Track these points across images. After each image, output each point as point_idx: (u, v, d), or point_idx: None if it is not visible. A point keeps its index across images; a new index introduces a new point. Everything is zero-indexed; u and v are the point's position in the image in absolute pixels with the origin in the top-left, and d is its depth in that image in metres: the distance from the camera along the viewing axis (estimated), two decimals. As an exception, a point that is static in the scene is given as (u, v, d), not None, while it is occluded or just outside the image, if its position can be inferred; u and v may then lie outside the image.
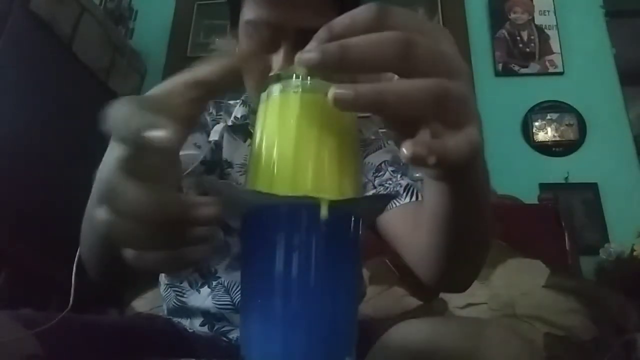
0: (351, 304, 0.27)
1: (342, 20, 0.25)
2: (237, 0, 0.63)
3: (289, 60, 0.56)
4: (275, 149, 0.26)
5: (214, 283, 0.66)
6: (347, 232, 0.26)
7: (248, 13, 0.59)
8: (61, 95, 1.63)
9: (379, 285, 1.32)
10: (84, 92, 1.75)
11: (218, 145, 0.70)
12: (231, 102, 0.79)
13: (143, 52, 2.16)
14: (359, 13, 0.25)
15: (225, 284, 0.66)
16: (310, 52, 0.24)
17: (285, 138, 0.26)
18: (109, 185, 0.23)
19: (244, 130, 0.72)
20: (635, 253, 1.57)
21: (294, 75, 0.28)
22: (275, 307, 0.25)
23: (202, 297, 0.67)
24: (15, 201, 1.33)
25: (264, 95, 0.29)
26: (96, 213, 0.24)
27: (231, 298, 0.65)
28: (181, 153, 0.60)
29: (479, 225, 0.38)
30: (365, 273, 1.33)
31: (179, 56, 2.15)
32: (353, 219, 0.27)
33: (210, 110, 0.77)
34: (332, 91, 0.23)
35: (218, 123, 0.74)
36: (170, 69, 2.20)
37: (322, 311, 0.25)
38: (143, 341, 0.63)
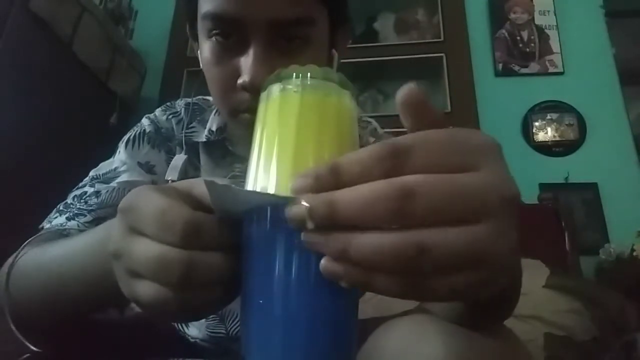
0: (351, 304, 0.27)
1: (351, 167, 0.22)
2: None
3: (260, 63, 0.45)
4: (275, 148, 0.26)
5: None
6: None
7: (205, 4, 0.47)
8: (61, 95, 1.62)
9: (379, 285, 1.32)
10: (84, 92, 1.75)
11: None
12: (207, 103, 0.67)
13: (143, 52, 2.16)
14: (370, 157, 0.22)
15: (219, 312, 0.63)
16: (298, 206, 0.22)
17: (285, 138, 0.26)
18: (162, 261, 0.25)
19: (220, 146, 0.62)
20: (635, 253, 1.57)
21: (294, 74, 0.28)
22: (275, 307, 0.24)
23: (196, 329, 0.66)
24: (15, 201, 1.33)
25: (264, 94, 0.29)
26: (140, 288, 0.26)
27: (226, 328, 0.63)
28: (126, 179, 0.58)
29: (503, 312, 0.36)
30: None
31: (179, 56, 2.14)
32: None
33: (181, 116, 0.65)
34: (292, 183, 0.23)
35: (190, 137, 0.63)
36: (170, 69, 2.20)
37: (322, 311, 0.25)
38: (143, 341, 0.62)
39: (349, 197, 0.21)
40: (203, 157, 0.63)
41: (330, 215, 0.21)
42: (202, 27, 0.49)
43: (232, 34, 0.47)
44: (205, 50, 0.50)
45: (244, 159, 0.61)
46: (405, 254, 0.20)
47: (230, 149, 0.62)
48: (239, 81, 0.47)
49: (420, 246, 0.20)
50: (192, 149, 0.63)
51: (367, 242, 0.21)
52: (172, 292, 0.25)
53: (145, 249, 0.26)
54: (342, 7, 0.54)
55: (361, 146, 0.29)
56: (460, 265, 0.21)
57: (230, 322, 0.63)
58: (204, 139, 0.62)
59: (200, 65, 0.53)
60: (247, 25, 0.45)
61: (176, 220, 0.25)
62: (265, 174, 0.26)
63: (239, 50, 0.47)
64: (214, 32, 0.47)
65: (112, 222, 0.32)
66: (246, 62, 0.46)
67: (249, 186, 0.27)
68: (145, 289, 0.26)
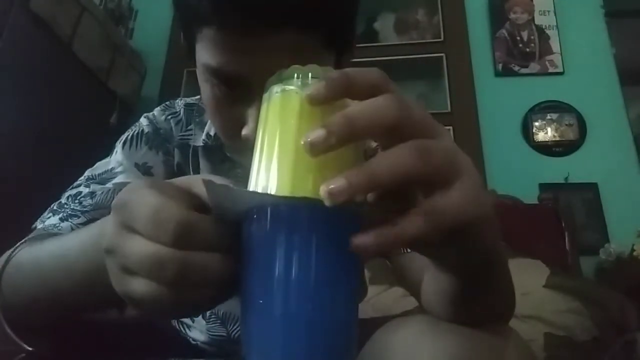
0: (352, 304, 0.27)
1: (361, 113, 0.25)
2: (188, 25, 0.46)
3: None
4: (275, 149, 0.26)
5: (208, 313, 0.63)
6: (347, 233, 0.26)
7: (205, 55, 0.43)
8: (61, 95, 1.63)
9: (379, 285, 1.33)
10: (84, 92, 1.75)
11: None
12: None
13: (143, 52, 2.16)
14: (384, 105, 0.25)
15: (220, 314, 0.63)
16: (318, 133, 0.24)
17: (286, 138, 0.26)
18: (158, 258, 0.25)
19: (219, 151, 0.60)
20: (635, 253, 1.57)
21: (295, 75, 0.28)
22: (275, 308, 0.24)
23: (198, 331, 0.66)
24: (15, 201, 1.33)
25: (265, 95, 0.29)
26: (133, 286, 0.26)
27: (227, 330, 0.63)
28: (122, 181, 0.57)
29: (493, 288, 0.36)
30: (366, 273, 1.33)
31: (179, 56, 2.14)
32: (353, 219, 0.27)
33: (180, 116, 0.64)
34: (325, 189, 0.23)
35: (187, 141, 0.62)
36: (170, 69, 2.20)
37: (323, 311, 0.25)
38: (143, 341, 0.62)
39: (361, 110, 0.24)
40: (202, 162, 0.62)
41: (350, 129, 0.24)
42: (201, 72, 0.46)
43: (235, 86, 0.44)
44: (206, 90, 0.47)
45: (243, 165, 0.60)
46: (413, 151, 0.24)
47: (229, 155, 0.61)
48: (244, 132, 0.45)
49: (421, 147, 0.24)
50: (192, 152, 0.63)
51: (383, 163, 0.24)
52: (165, 289, 0.25)
53: (139, 247, 0.25)
54: (350, 40, 0.50)
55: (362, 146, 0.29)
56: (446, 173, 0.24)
57: (232, 324, 0.63)
58: (202, 143, 0.61)
59: (199, 81, 0.50)
60: (252, 81, 0.42)
61: (169, 220, 0.25)
62: (266, 174, 0.26)
63: (243, 101, 0.45)
64: (216, 82, 0.45)
65: (105, 219, 0.32)
66: (252, 114, 0.44)
67: (251, 186, 0.27)
68: (139, 286, 0.26)
